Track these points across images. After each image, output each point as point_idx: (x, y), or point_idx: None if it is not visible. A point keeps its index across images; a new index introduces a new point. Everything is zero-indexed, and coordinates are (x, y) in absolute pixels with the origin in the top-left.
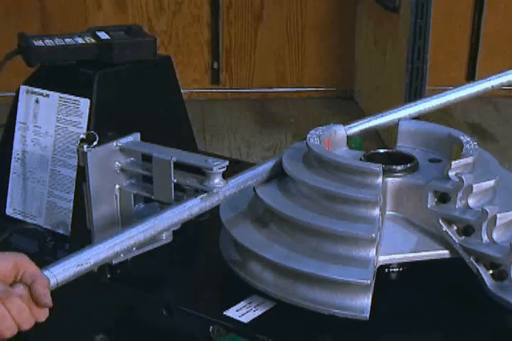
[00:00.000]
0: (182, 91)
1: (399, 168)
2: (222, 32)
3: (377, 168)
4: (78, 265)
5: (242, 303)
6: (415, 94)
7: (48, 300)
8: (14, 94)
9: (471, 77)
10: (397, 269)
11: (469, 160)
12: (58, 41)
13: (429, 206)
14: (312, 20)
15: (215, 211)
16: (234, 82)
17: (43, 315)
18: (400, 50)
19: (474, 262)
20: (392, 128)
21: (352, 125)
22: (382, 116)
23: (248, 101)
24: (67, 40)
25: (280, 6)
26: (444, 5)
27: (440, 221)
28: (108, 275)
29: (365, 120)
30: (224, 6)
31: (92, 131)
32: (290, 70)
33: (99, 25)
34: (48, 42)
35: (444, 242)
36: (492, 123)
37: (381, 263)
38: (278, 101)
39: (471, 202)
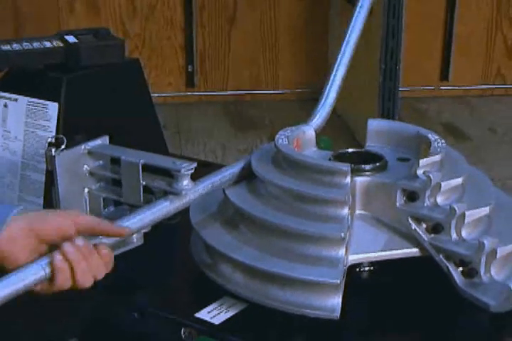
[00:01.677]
0: (157, 95)
1: (367, 167)
2: (196, 35)
3: (345, 167)
4: None
5: (213, 305)
6: (389, 94)
7: (119, 228)
8: None
9: (444, 77)
10: (368, 268)
11: (437, 158)
12: (26, 45)
13: (398, 205)
14: (285, 23)
15: (186, 213)
16: (209, 85)
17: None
18: (373, 50)
19: (444, 260)
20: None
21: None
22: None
23: (223, 104)
24: (35, 44)
25: (253, 8)
26: (417, 5)
27: (409, 219)
28: None
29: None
30: (197, 8)
31: (60, 135)
32: (264, 73)
33: (72, 28)
34: (16, 46)
35: (414, 240)
36: (466, 123)
37: (351, 263)
38: (253, 104)
39: (439, 200)
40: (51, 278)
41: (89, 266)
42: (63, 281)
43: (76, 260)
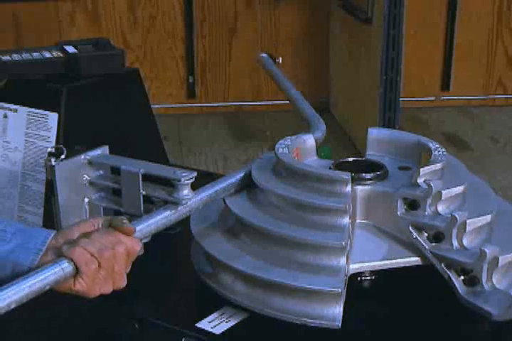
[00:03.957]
0: (158, 106)
1: (368, 176)
2: (196, 46)
3: (346, 176)
4: None
5: (214, 315)
6: (389, 104)
7: (128, 226)
8: None
9: (445, 87)
10: (370, 277)
11: (438, 166)
12: (26, 56)
13: (399, 213)
14: (286, 33)
15: (187, 223)
16: (209, 96)
17: (133, 242)
18: (374, 61)
19: (445, 268)
20: None
21: None
22: None
23: (224, 114)
24: (35, 55)
25: (253, 19)
26: (417, 16)
27: (410, 228)
28: None
29: None
30: (198, 19)
31: (60, 145)
32: (265, 83)
33: (73, 40)
34: (16, 56)
35: (415, 249)
36: (467, 133)
37: (352, 272)
38: (254, 115)
39: (440, 208)
40: (76, 271)
41: (100, 241)
42: (84, 264)
43: (80, 240)
